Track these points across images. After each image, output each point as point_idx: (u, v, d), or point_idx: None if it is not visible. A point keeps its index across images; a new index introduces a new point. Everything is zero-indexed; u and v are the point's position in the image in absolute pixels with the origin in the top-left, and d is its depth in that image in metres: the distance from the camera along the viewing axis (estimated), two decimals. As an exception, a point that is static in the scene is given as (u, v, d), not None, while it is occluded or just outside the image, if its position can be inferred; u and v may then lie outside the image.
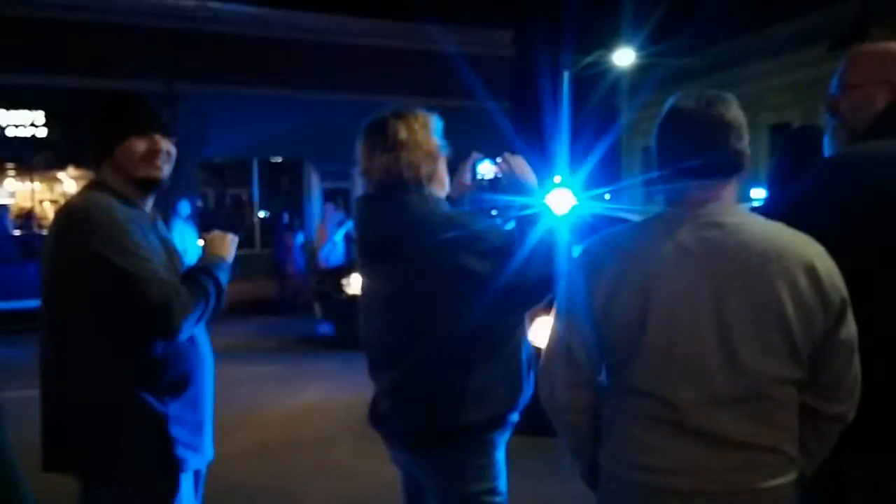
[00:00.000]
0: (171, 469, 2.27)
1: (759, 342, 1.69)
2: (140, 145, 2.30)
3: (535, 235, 2.23)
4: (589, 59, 21.13)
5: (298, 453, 5.89)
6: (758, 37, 18.50)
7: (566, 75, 20.95)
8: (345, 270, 10.49)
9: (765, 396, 1.72)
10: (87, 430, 2.20)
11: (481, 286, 2.14)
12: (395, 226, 2.24)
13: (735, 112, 1.79)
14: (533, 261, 2.18)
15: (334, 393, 7.74)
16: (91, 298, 2.14)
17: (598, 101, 23.51)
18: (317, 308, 10.97)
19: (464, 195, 2.61)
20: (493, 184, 2.56)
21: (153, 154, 2.31)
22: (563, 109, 20.97)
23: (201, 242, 2.47)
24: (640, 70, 22.58)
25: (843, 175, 2.01)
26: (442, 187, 2.36)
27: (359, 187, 2.37)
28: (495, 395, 2.26)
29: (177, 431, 2.27)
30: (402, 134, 2.25)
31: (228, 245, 2.46)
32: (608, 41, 21.16)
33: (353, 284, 9.64)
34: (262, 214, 18.25)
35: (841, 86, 2.17)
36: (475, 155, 2.59)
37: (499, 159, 2.52)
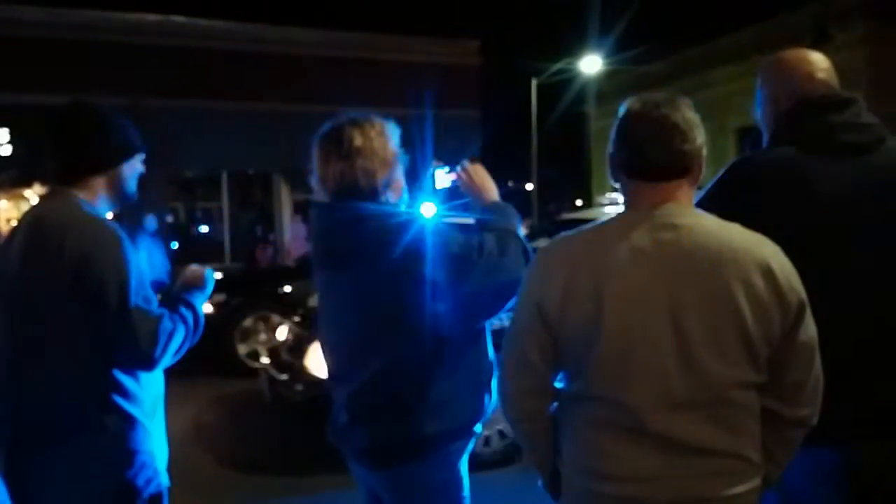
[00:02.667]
0: (158, 493, 2.28)
1: (716, 344, 1.67)
2: (139, 164, 2.39)
3: (494, 243, 2.20)
4: (556, 66, 21.29)
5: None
6: (723, 41, 18.73)
7: (534, 83, 21.09)
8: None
9: (724, 400, 1.70)
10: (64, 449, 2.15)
11: (439, 294, 2.10)
12: (350, 235, 2.20)
13: (684, 114, 1.77)
14: (492, 268, 2.15)
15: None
16: (82, 316, 2.11)
17: (565, 109, 23.69)
18: None
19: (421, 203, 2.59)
20: (451, 192, 2.55)
21: (139, 174, 2.41)
22: (532, 117, 21.09)
23: (180, 272, 2.51)
24: (609, 76, 22.78)
25: (735, 175, 2.20)
26: (399, 195, 2.34)
27: (318, 195, 2.34)
28: (457, 406, 2.22)
29: (159, 452, 2.29)
30: (358, 141, 2.21)
31: (207, 279, 2.48)
32: (575, 49, 21.36)
33: None
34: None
35: (756, 98, 2.37)
36: (434, 163, 2.57)
37: (458, 168, 2.51)
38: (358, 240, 2.19)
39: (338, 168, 2.22)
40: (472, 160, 2.55)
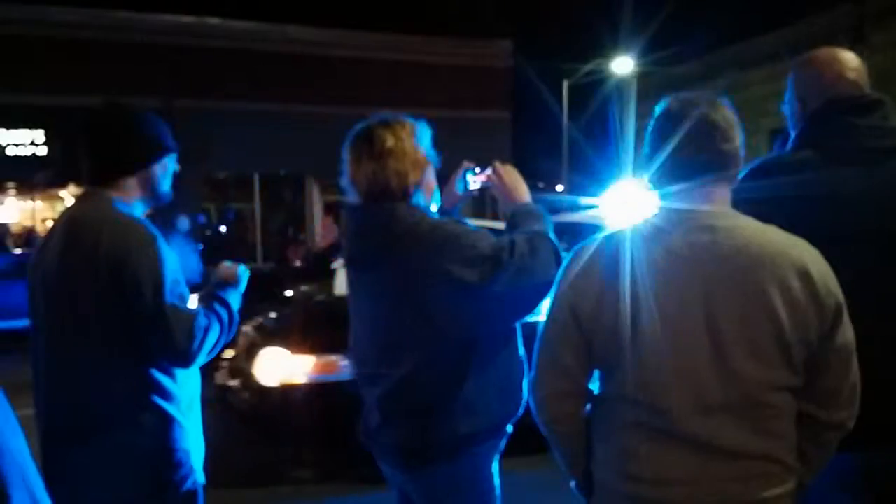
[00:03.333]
0: (193, 490, 2.31)
1: (752, 347, 1.66)
2: (171, 164, 2.41)
3: (525, 244, 2.18)
4: (588, 67, 21.22)
5: None
6: (757, 42, 18.52)
7: (565, 84, 21.04)
8: None
9: (759, 403, 1.68)
10: (104, 446, 2.18)
11: (469, 294, 2.10)
12: (381, 235, 2.21)
13: (723, 113, 1.76)
14: (523, 270, 2.14)
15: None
16: (119, 315, 2.14)
17: (597, 110, 23.59)
18: None
19: (455, 205, 2.58)
20: (483, 193, 2.55)
21: (174, 173, 2.44)
22: (563, 118, 21.04)
23: (214, 270, 2.54)
24: (641, 78, 22.64)
25: (757, 179, 2.16)
26: (430, 196, 2.33)
27: (350, 197, 2.35)
28: (488, 407, 2.22)
29: (195, 450, 2.33)
30: (389, 142, 2.22)
31: (241, 276, 2.51)
32: (607, 50, 21.27)
33: None
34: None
35: (786, 96, 2.34)
36: (465, 164, 2.56)
37: (489, 169, 2.50)
38: (389, 241, 2.19)
39: (369, 169, 2.22)
40: (503, 161, 2.54)
